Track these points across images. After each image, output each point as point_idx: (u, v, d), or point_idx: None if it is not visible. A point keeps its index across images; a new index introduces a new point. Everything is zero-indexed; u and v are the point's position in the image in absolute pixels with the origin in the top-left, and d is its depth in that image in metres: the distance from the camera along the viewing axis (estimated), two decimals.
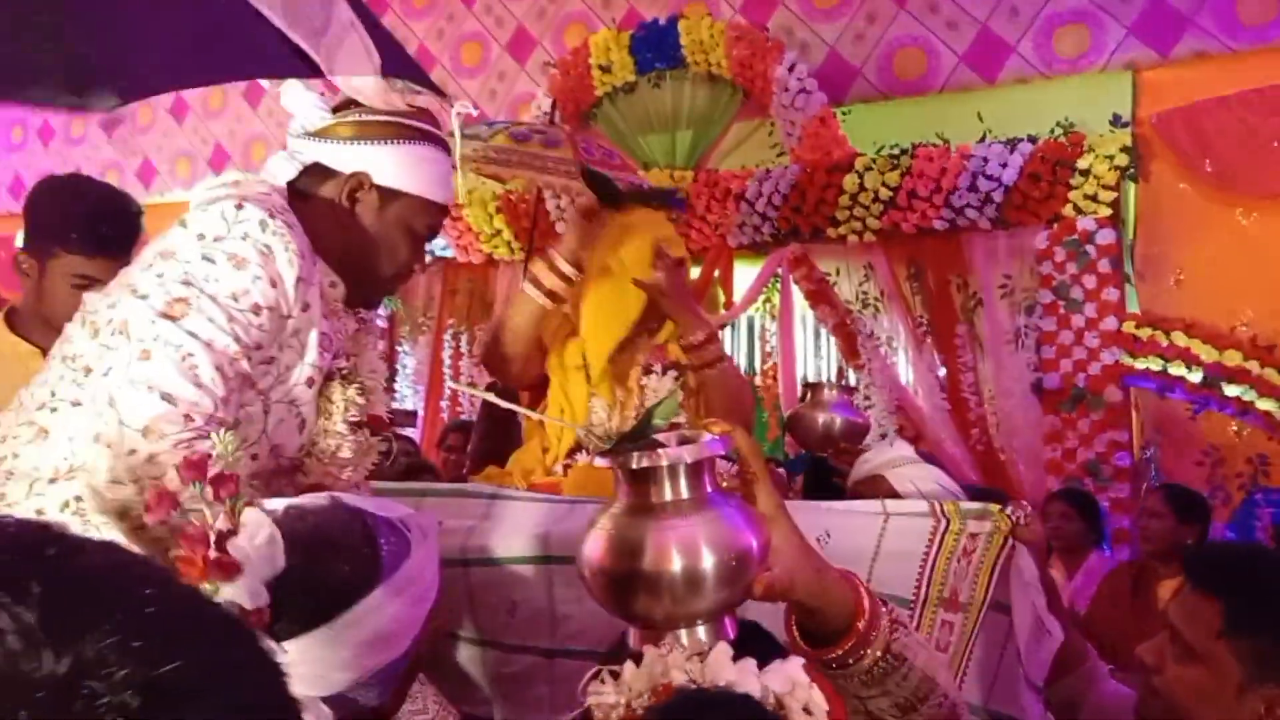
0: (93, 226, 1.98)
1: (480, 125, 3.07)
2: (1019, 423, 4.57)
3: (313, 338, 1.46)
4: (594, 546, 0.86)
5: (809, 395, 2.48)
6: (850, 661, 0.89)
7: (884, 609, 0.92)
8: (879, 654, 0.89)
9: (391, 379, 6.11)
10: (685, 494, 0.85)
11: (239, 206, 1.38)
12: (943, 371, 4.71)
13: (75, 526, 1.29)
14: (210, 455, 1.12)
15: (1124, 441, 4.35)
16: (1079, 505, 3.95)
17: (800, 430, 2.48)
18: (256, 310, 1.35)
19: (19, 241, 2.06)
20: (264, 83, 1.55)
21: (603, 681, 0.77)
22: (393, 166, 1.50)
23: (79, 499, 1.37)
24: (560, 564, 1.63)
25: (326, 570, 1.09)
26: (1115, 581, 3.57)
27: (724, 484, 0.89)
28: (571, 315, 2.24)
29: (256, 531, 1.05)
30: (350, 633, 1.07)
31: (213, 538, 1.03)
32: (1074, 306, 4.41)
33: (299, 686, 0.98)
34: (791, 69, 5.07)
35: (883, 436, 4.43)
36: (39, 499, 1.34)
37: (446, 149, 1.56)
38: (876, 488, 1.88)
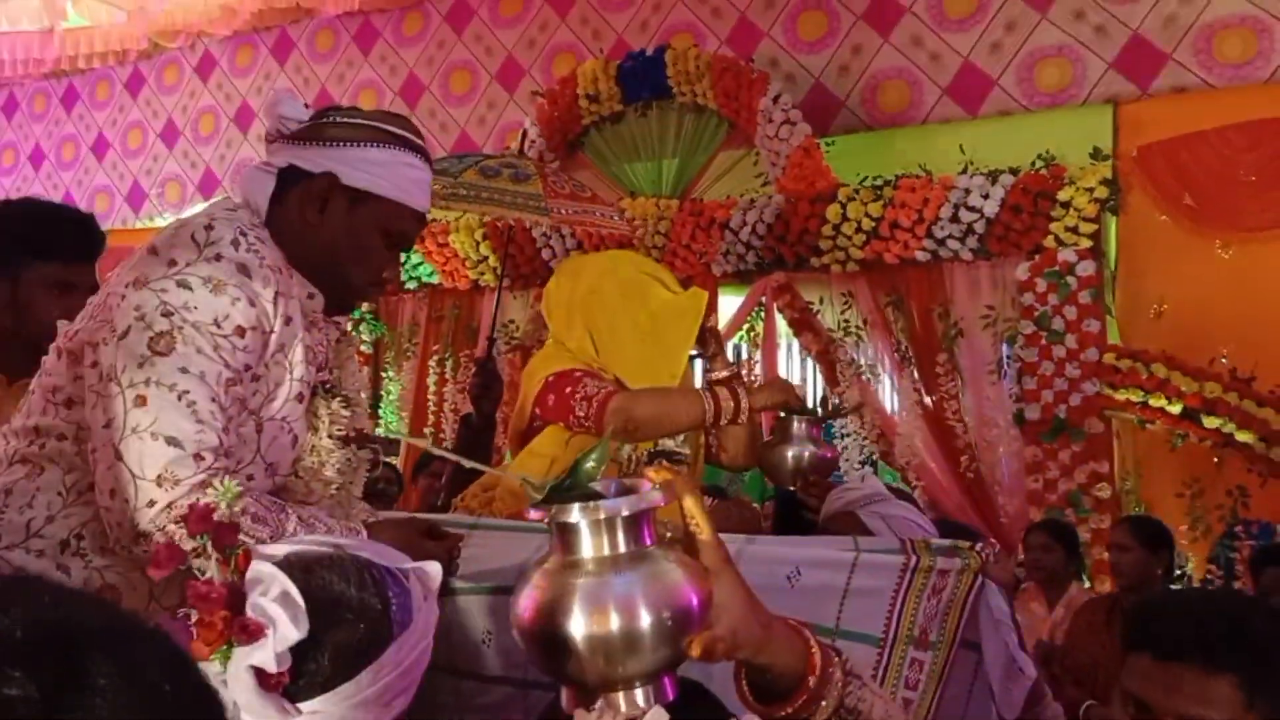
0: (67, 232, 1.99)
1: (450, 159, 3.07)
2: (1001, 453, 4.59)
3: (297, 352, 1.44)
4: (524, 603, 0.81)
5: (776, 430, 2.48)
6: (802, 717, 0.86)
7: (836, 660, 0.89)
8: (832, 709, 0.86)
9: (376, 405, 6.10)
10: (622, 548, 0.79)
11: (209, 227, 1.36)
12: (929, 400, 4.73)
13: (76, 569, 1.29)
14: (215, 506, 1.11)
15: (1104, 473, 4.37)
16: (1059, 536, 3.96)
17: (769, 465, 2.47)
18: (240, 333, 1.33)
19: None
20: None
21: None
22: (362, 168, 1.46)
23: (79, 538, 1.36)
24: None
25: (342, 630, 1.07)
26: (1090, 614, 3.58)
27: (667, 535, 0.85)
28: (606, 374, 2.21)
29: (270, 587, 1.02)
30: (365, 691, 1.07)
31: (226, 595, 0.99)
32: (1055, 337, 4.44)
33: None
34: (776, 100, 5.12)
35: (862, 464, 4.44)
36: (39, 541, 1.33)
37: (424, 156, 1.53)
38: (848, 524, 1.89)
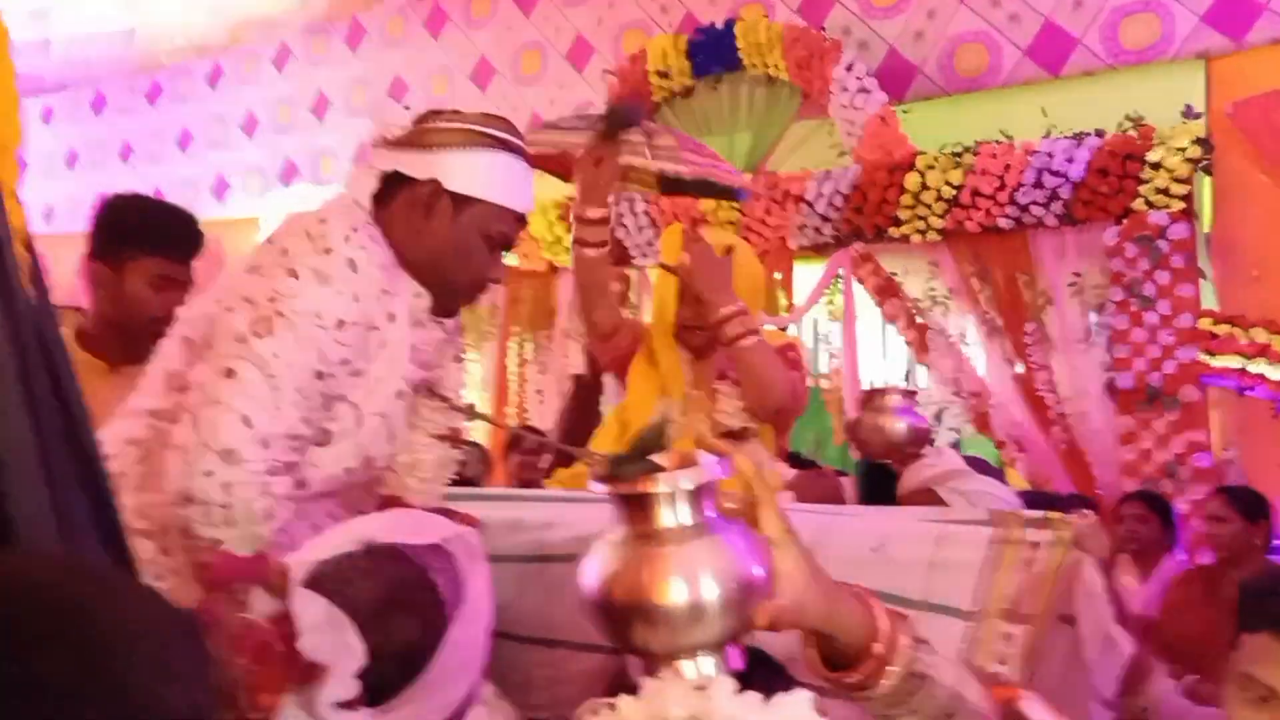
0: (171, 229, 2.08)
1: (569, 118, 3.13)
2: (1093, 424, 4.46)
3: (402, 350, 1.47)
4: (591, 574, 0.83)
5: (869, 402, 2.45)
6: (871, 684, 0.86)
7: (905, 626, 0.88)
8: (900, 675, 0.86)
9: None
10: (684, 520, 0.80)
11: (322, 221, 1.40)
12: (1020, 369, 4.61)
13: (178, 552, 1.33)
14: (229, 554, 1.13)
15: (1203, 442, 4.22)
16: (1154, 507, 3.85)
17: (860, 437, 2.45)
18: (341, 326, 1.36)
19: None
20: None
21: (597, 714, 0.74)
22: (465, 173, 1.48)
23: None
24: None
25: (400, 635, 1.10)
26: (1188, 586, 3.46)
27: (728, 507, 0.86)
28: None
29: (315, 617, 1.04)
30: (435, 680, 1.11)
31: (278, 643, 1.02)
32: (1146, 304, 4.29)
33: None
34: (850, 68, 5.02)
35: (930, 443, 4.36)
36: (145, 522, 1.37)
37: (524, 157, 1.55)
38: (926, 501, 1.85)
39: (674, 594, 0.78)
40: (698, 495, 0.81)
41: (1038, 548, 1.48)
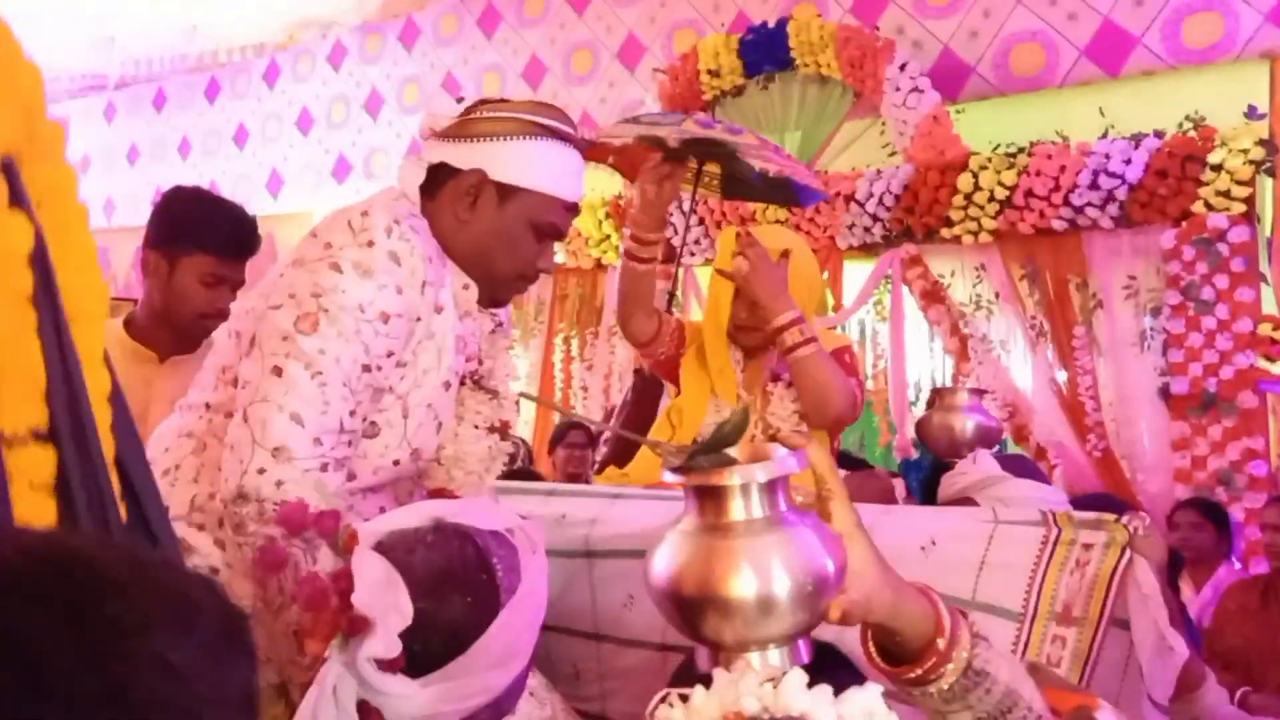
0: (228, 229, 2.11)
1: (658, 114, 3.16)
2: (1144, 429, 4.38)
3: (448, 341, 1.47)
4: (661, 566, 0.82)
5: (938, 400, 2.42)
6: (930, 679, 0.86)
7: (965, 623, 0.88)
8: (960, 670, 0.86)
9: None
10: (758, 513, 0.80)
11: (365, 214, 1.40)
12: (1062, 375, 4.55)
13: (232, 544, 1.35)
14: (304, 502, 1.14)
15: (1260, 449, 4.13)
16: (1209, 515, 3.77)
17: (928, 435, 2.42)
18: (384, 318, 1.36)
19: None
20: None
21: (671, 706, 0.74)
22: (511, 162, 1.47)
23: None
24: None
25: (451, 608, 1.12)
26: (1242, 595, 3.39)
27: (799, 500, 0.85)
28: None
29: (373, 575, 1.06)
30: (479, 661, 1.12)
31: (333, 595, 1.03)
32: (1204, 308, 4.21)
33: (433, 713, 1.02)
34: (903, 68, 4.98)
35: (1001, 444, 4.32)
36: (200, 515, 1.40)
37: (575, 146, 1.53)
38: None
39: (746, 587, 0.78)
40: (772, 488, 0.81)
41: (1091, 549, 1.47)
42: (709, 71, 5.57)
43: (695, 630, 0.81)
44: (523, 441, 5.17)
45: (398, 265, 1.38)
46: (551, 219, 1.52)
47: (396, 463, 1.46)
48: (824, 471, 0.86)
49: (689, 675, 0.80)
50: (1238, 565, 3.92)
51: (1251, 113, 4.25)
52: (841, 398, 2.12)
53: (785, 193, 3.18)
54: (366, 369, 1.36)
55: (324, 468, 1.33)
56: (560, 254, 5.97)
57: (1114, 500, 3.11)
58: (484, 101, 1.53)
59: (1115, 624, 1.45)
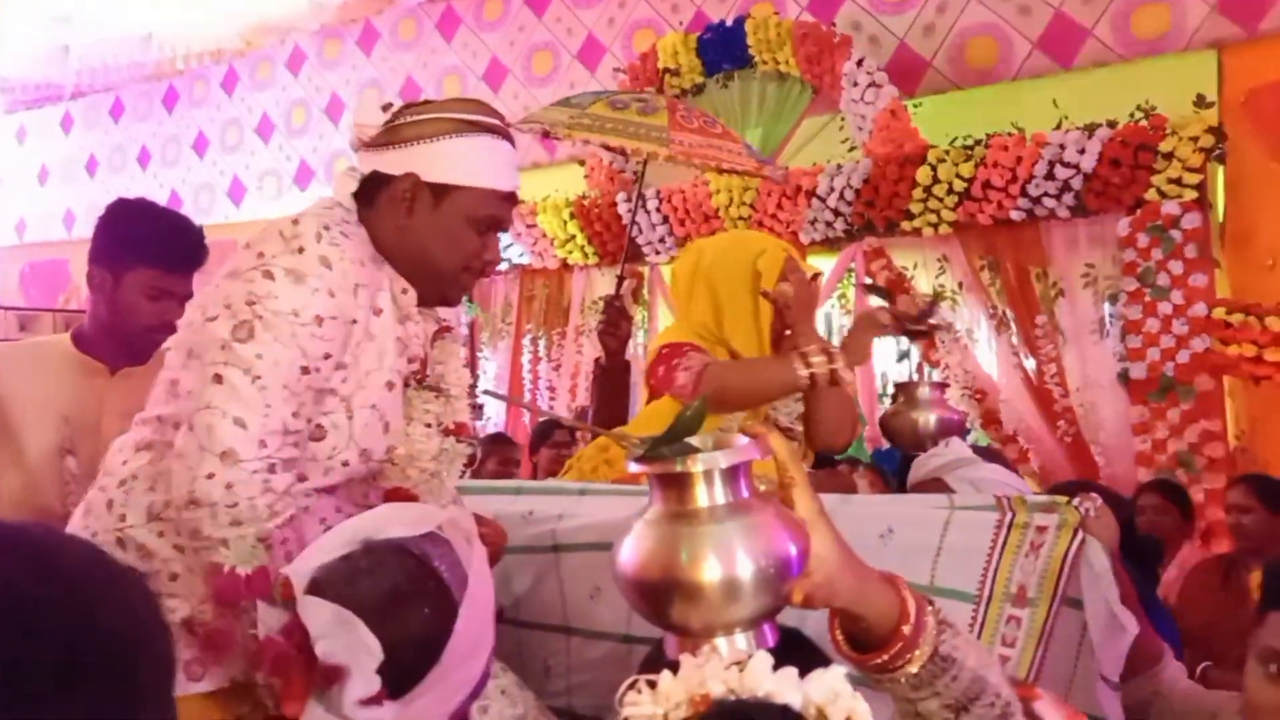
0: (172, 242, 2.09)
1: (584, 94, 3.11)
2: (1106, 414, 4.46)
3: (389, 342, 1.49)
4: (627, 554, 0.83)
5: (900, 395, 2.43)
6: (897, 665, 0.87)
7: (930, 609, 0.89)
8: (926, 656, 0.87)
9: (474, 385, 6.22)
10: (721, 499, 0.82)
11: (295, 222, 1.43)
12: (1030, 363, 4.61)
13: (190, 550, 1.37)
14: (237, 575, 1.18)
15: (1217, 431, 4.21)
16: (1172, 497, 3.83)
17: (892, 430, 2.44)
18: (319, 321, 1.39)
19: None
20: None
21: (639, 692, 0.75)
22: (440, 162, 1.49)
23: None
24: None
25: (411, 624, 1.14)
26: (1205, 574, 3.46)
27: (761, 488, 0.87)
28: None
29: (323, 620, 1.08)
30: (454, 660, 1.16)
31: (295, 653, 1.06)
32: (1160, 293, 4.28)
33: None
34: (860, 63, 5.03)
35: (963, 435, 4.37)
36: (159, 523, 1.42)
37: (503, 136, 1.55)
38: (935, 491, 1.86)
39: (711, 572, 0.79)
40: (733, 475, 0.83)
41: (1044, 532, 1.50)
42: (668, 70, 5.59)
43: (662, 617, 0.83)
44: (507, 439, 5.16)
45: (329, 269, 1.40)
46: (489, 211, 1.54)
47: (345, 464, 1.48)
48: (785, 459, 0.87)
49: (657, 663, 0.81)
50: (1199, 544, 3.98)
51: (1200, 102, 4.33)
52: (851, 433, 2.18)
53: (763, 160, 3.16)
54: (305, 370, 1.39)
55: (271, 469, 1.35)
56: (526, 255, 5.99)
57: (1091, 484, 3.15)
58: (408, 105, 1.55)
59: (1069, 604, 1.49)
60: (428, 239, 1.52)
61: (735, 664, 0.75)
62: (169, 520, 1.41)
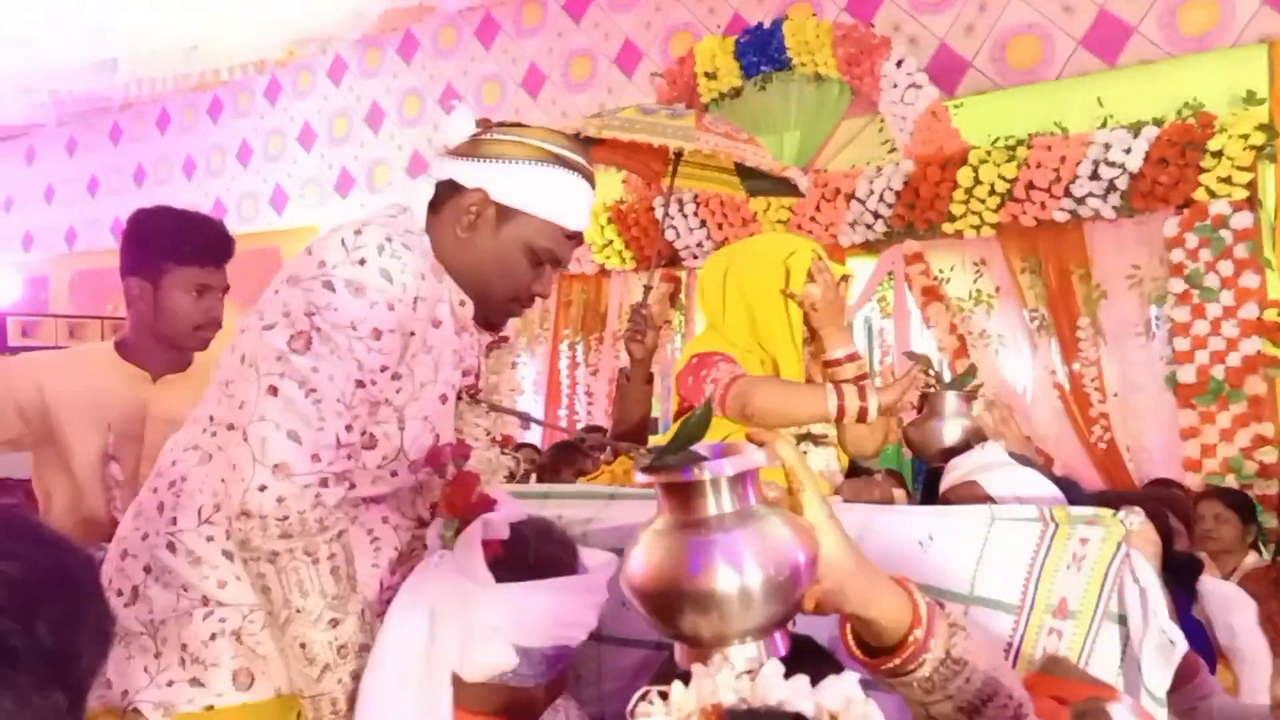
0: (201, 238, 2.13)
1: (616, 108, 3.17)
2: (1151, 418, 4.37)
3: (445, 355, 1.49)
4: (636, 563, 0.83)
5: (925, 405, 2.38)
6: (909, 669, 0.86)
7: (941, 612, 0.89)
8: (939, 660, 0.86)
9: (474, 394, 6.25)
10: (728, 507, 0.81)
11: (358, 232, 1.41)
12: (1065, 368, 4.54)
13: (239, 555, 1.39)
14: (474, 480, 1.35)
15: (1269, 436, 4.11)
16: (1234, 505, 3.68)
17: (917, 441, 2.38)
18: (377, 335, 1.38)
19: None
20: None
21: (651, 703, 0.74)
22: (514, 185, 1.48)
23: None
24: None
25: (548, 545, 1.42)
26: (1254, 585, 3.36)
27: (770, 495, 0.86)
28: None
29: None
30: (556, 597, 1.34)
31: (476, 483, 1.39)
32: (1209, 295, 4.20)
33: (516, 636, 1.29)
34: (900, 64, 4.99)
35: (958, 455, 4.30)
36: (209, 527, 1.42)
37: (585, 176, 1.53)
38: (970, 493, 1.83)
39: (720, 581, 0.78)
40: (740, 482, 0.82)
41: (1087, 544, 1.47)
42: (706, 74, 5.58)
43: (672, 626, 0.82)
44: (534, 448, 5.18)
45: (389, 282, 1.39)
46: (549, 245, 1.52)
47: (394, 474, 1.48)
48: (793, 465, 0.86)
49: (669, 673, 0.80)
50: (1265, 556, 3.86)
51: (1250, 98, 4.23)
52: (882, 439, 2.16)
53: (789, 184, 3.18)
54: (360, 384, 1.38)
55: (323, 483, 1.35)
56: (572, 255, 5.99)
57: (1130, 497, 3.06)
58: (500, 124, 1.54)
59: (1109, 617, 1.45)
60: (483, 258, 1.50)
61: (746, 672, 0.75)
62: (217, 524, 1.42)
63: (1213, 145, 4.15)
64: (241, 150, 8.37)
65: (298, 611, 1.34)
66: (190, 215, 2.17)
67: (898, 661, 0.86)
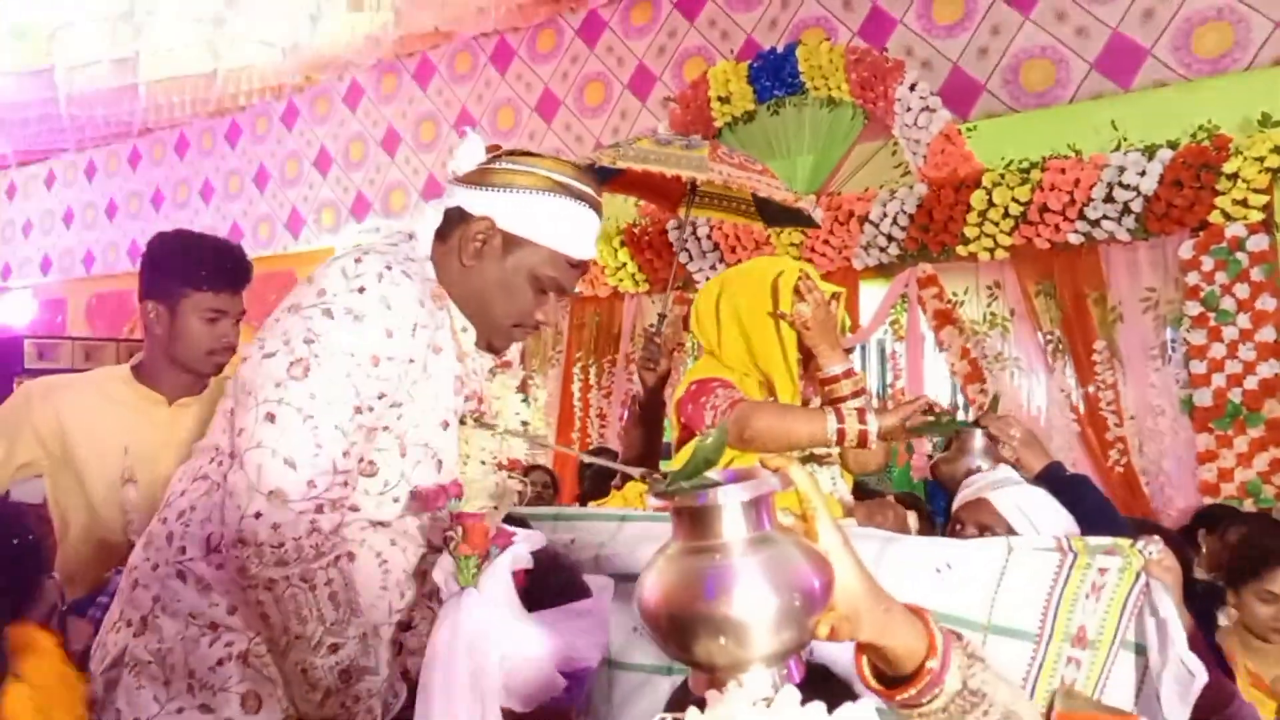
0: (218, 265, 2.14)
1: (628, 139, 3.20)
2: (1168, 442, 4.34)
3: (446, 381, 1.49)
4: (649, 589, 0.82)
5: (953, 443, 2.36)
6: (924, 700, 0.85)
7: (959, 643, 0.87)
8: (955, 691, 0.85)
9: (479, 417, 6.26)
10: (743, 532, 0.80)
11: (358, 260, 1.42)
12: (1081, 390, 4.51)
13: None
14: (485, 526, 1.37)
15: None
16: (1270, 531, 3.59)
17: (946, 477, 2.36)
18: (375, 361, 1.38)
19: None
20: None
21: None
22: (521, 214, 1.49)
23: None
24: None
25: (563, 572, 1.50)
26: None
27: (784, 522, 0.85)
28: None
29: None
30: (582, 621, 1.39)
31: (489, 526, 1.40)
32: (1225, 318, 4.17)
33: (556, 661, 1.33)
34: (913, 88, 5.00)
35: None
36: (218, 555, 1.42)
37: (592, 206, 1.54)
38: (979, 510, 1.82)
39: (734, 606, 0.77)
40: (755, 507, 0.81)
41: (1106, 574, 1.46)
42: (719, 99, 5.61)
43: (686, 652, 0.81)
44: (546, 470, 5.18)
45: (388, 309, 1.40)
46: (554, 273, 1.53)
47: (397, 500, 1.48)
48: (806, 490, 0.86)
49: (684, 699, 0.80)
50: None
51: (1265, 120, 4.22)
52: (884, 458, 2.16)
53: (802, 215, 3.21)
54: (358, 410, 1.39)
55: (319, 509, 1.35)
56: (577, 284, 6.01)
57: (1150, 524, 3.02)
58: (511, 151, 1.55)
59: (1128, 647, 1.44)
60: (488, 285, 1.52)
61: (763, 700, 0.74)
62: (226, 552, 1.42)
63: (1228, 168, 4.13)
64: (259, 175, 8.44)
65: (297, 638, 1.34)
66: (208, 240, 2.19)
67: (913, 692, 0.85)
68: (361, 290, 1.39)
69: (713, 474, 0.84)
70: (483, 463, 1.59)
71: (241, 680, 1.40)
